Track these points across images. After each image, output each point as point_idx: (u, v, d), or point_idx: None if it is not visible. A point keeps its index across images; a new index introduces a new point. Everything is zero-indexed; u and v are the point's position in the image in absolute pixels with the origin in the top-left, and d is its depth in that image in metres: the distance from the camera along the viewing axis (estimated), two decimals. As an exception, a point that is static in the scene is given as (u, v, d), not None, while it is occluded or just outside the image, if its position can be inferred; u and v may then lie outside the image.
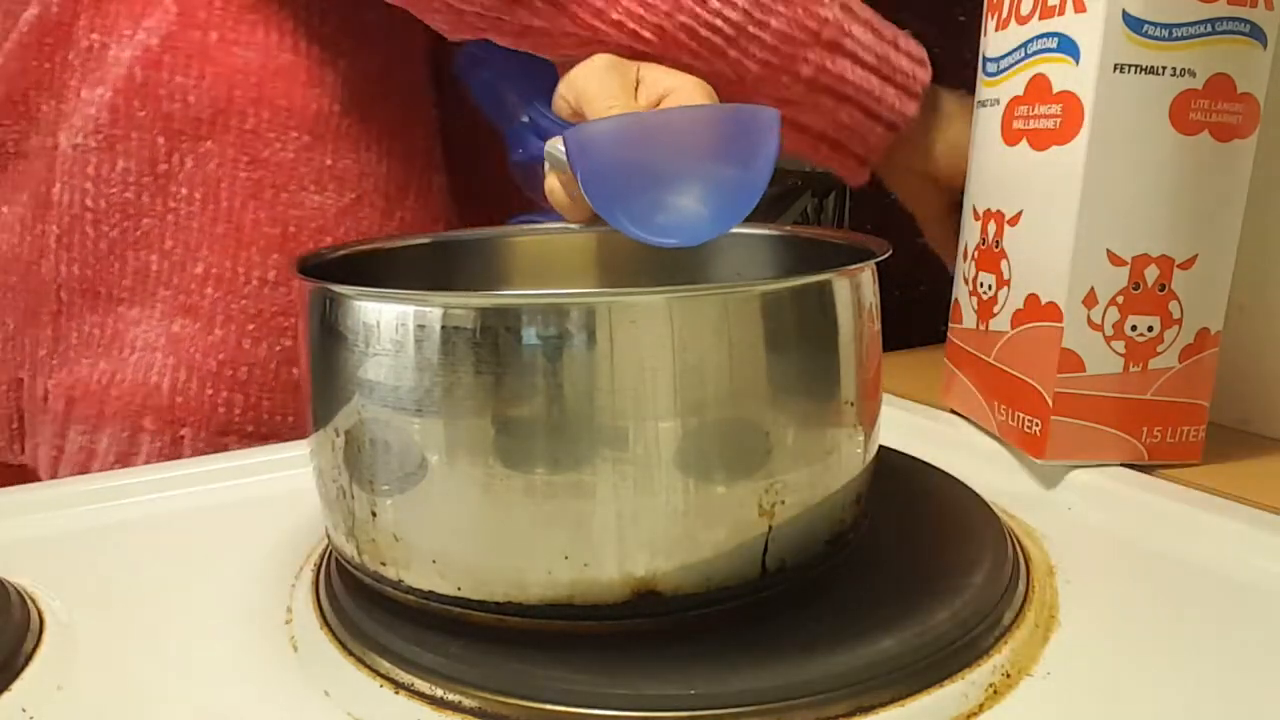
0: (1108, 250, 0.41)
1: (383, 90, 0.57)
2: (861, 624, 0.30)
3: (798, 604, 0.31)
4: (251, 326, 0.53)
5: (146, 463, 0.53)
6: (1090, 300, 0.42)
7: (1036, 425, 0.43)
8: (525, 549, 0.29)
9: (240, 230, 0.53)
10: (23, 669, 0.31)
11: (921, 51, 0.54)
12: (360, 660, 0.30)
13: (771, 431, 0.29)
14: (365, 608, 0.32)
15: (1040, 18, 0.43)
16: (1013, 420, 0.45)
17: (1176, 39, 0.39)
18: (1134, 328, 0.42)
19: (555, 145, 0.41)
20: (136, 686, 0.30)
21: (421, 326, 0.28)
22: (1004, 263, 0.45)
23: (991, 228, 0.47)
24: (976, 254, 0.48)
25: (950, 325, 0.51)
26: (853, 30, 0.50)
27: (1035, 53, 0.43)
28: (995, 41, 0.46)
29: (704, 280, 0.42)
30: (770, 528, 0.30)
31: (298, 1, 0.54)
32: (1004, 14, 0.46)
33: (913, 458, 0.44)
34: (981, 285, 0.47)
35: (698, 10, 0.47)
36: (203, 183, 0.52)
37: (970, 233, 0.49)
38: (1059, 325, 0.42)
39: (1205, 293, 0.42)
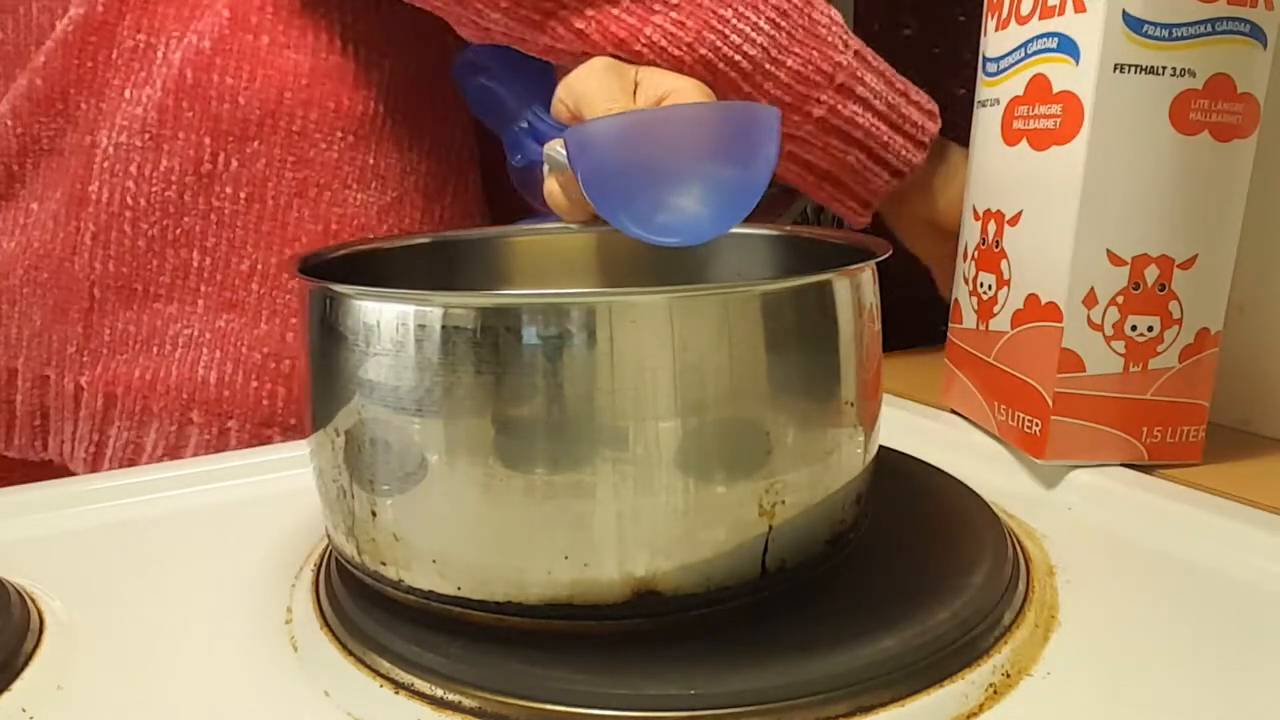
0: (1108, 250, 0.41)
1: (424, 90, 0.59)
2: (861, 624, 0.30)
3: (798, 604, 0.31)
4: (295, 320, 0.55)
5: (194, 455, 0.54)
6: (1090, 300, 0.42)
7: (1036, 425, 0.43)
8: (525, 549, 0.29)
9: (285, 228, 0.54)
10: (23, 669, 0.31)
11: (932, 104, 0.55)
12: (360, 660, 0.30)
13: (771, 431, 0.29)
14: (365, 608, 0.32)
15: (1040, 18, 0.43)
16: (1013, 420, 0.45)
17: (1176, 39, 0.39)
18: (1134, 328, 0.42)
19: (555, 147, 0.41)
20: (136, 686, 0.30)
21: (422, 326, 0.28)
22: (1004, 263, 0.45)
23: (991, 228, 0.47)
24: (976, 254, 0.48)
25: (950, 325, 0.51)
26: (865, 77, 0.51)
27: (1035, 53, 0.43)
28: (995, 41, 0.46)
29: (704, 280, 0.42)
30: (770, 528, 0.30)
31: (344, 5, 0.55)
32: (1004, 14, 0.46)
33: (913, 458, 0.44)
34: (981, 285, 0.47)
35: (719, 45, 0.48)
36: (248, 182, 0.54)
37: (970, 233, 0.49)
38: (1059, 325, 0.42)
39: (1205, 293, 0.42)
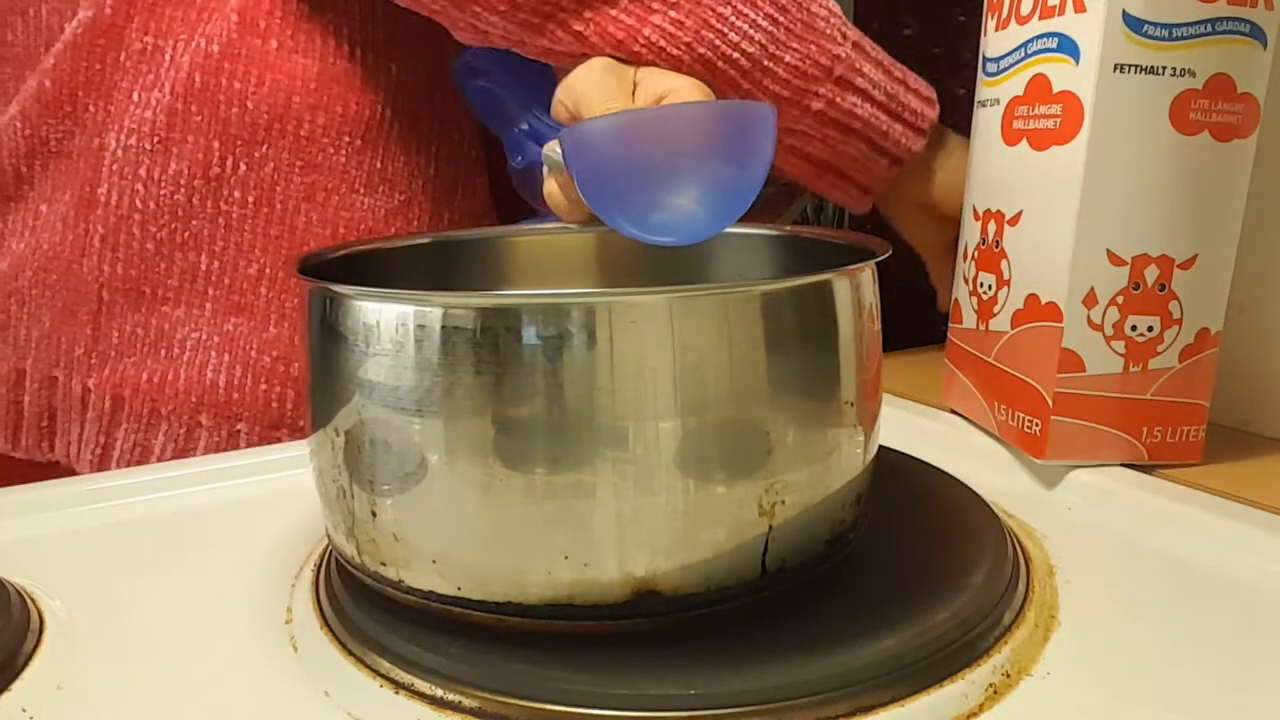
0: (1108, 250, 0.41)
1: (430, 94, 0.59)
2: (861, 624, 0.30)
3: (798, 604, 0.31)
4: None
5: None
6: (1090, 300, 0.42)
7: (1036, 425, 0.43)
8: (525, 549, 0.29)
9: (293, 232, 0.54)
10: (23, 669, 0.31)
11: (930, 91, 0.55)
12: (360, 660, 0.30)
13: (771, 431, 0.29)
14: (365, 608, 0.32)
15: (1040, 18, 0.43)
16: (1013, 420, 0.45)
17: (1176, 39, 0.39)
18: (1134, 328, 0.42)
19: (553, 148, 0.41)
20: (136, 686, 0.30)
21: (421, 326, 0.28)
22: (1004, 263, 0.45)
23: (991, 228, 0.47)
24: (976, 254, 0.48)
25: (950, 325, 0.51)
26: (864, 68, 0.51)
27: (1035, 53, 0.43)
28: (995, 41, 0.46)
29: (704, 280, 0.42)
30: (770, 528, 0.30)
31: (351, 9, 0.55)
32: (1004, 14, 0.46)
33: (913, 458, 0.44)
34: (981, 285, 0.47)
35: (717, 43, 0.48)
36: (256, 186, 0.54)
37: (970, 233, 0.49)
38: (1059, 325, 0.42)
39: (1205, 293, 0.42)
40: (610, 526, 0.28)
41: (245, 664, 0.31)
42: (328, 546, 0.36)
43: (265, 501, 0.44)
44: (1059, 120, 0.41)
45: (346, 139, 0.55)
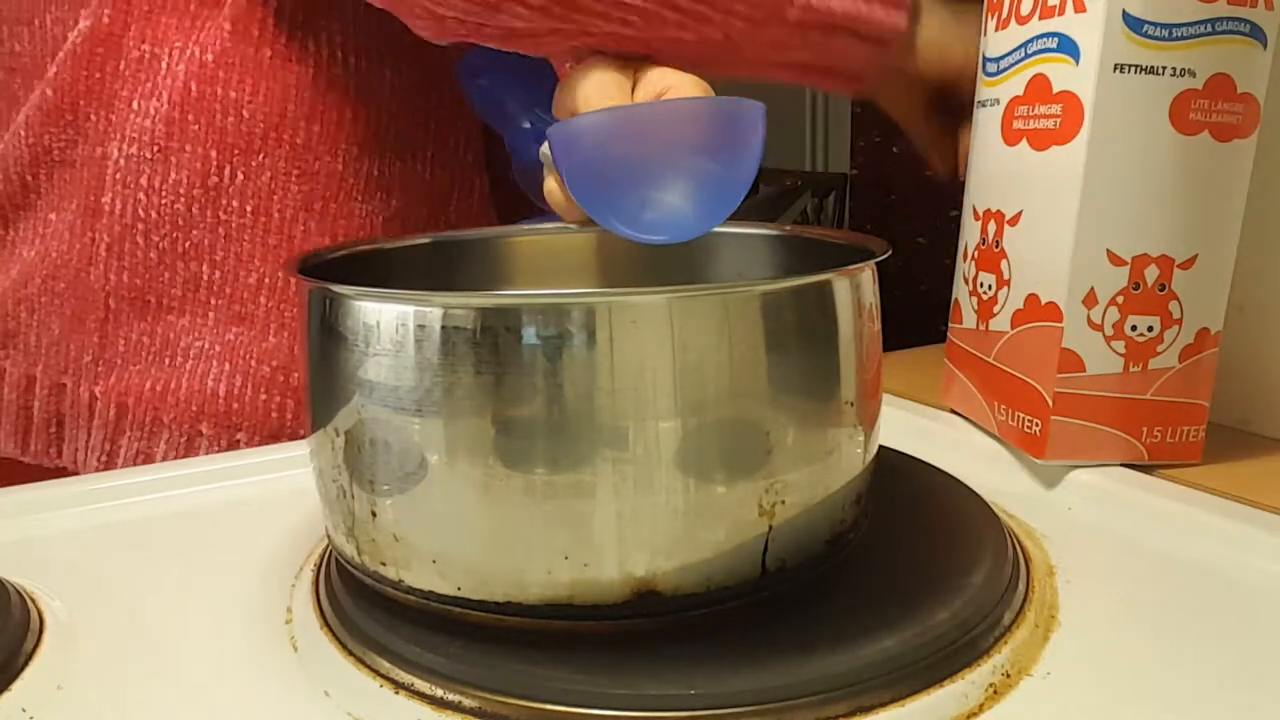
0: (1108, 250, 0.41)
1: (426, 99, 0.59)
2: (861, 624, 0.30)
3: (798, 604, 0.31)
4: None
5: None
6: (1090, 300, 0.42)
7: (1036, 425, 0.43)
8: (525, 549, 0.29)
9: (292, 241, 0.54)
10: (23, 669, 0.31)
11: None
12: (360, 660, 0.30)
13: (771, 431, 0.29)
14: (365, 608, 0.32)
15: (1040, 18, 0.43)
16: (1013, 420, 0.45)
17: (1176, 39, 0.39)
18: (1134, 328, 0.42)
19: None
20: (136, 686, 0.30)
21: (421, 326, 0.28)
22: (1004, 263, 0.45)
23: (991, 228, 0.47)
24: (976, 254, 0.48)
25: (950, 325, 0.51)
26: None
27: (1035, 53, 0.43)
28: (995, 41, 0.46)
29: (704, 280, 0.42)
30: (770, 528, 0.30)
31: (345, 16, 0.55)
32: (1004, 14, 0.46)
33: (913, 458, 0.44)
34: (981, 285, 0.47)
35: None
36: (254, 195, 0.54)
37: (970, 233, 0.49)
38: (1059, 325, 0.42)
39: (1205, 293, 0.42)
40: (610, 526, 0.28)
41: (245, 664, 0.31)
42: (328, 546, 0.36)
43: (265, 501, 0.44)
44: (1059, 120, 0.41)
45: (343, 146, 0.55)
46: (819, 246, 0.41)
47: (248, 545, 0.39)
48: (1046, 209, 0.43)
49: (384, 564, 0.31)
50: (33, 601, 0.34)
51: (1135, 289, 0.42)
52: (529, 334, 0.27)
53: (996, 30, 0.46)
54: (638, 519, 0.28)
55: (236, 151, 0.53)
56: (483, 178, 0.63)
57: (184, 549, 0.40)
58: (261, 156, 0.53)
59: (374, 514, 0.30)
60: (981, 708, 0.28)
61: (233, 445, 0.54)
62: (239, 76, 0.53)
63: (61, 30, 0.54)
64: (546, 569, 0.29)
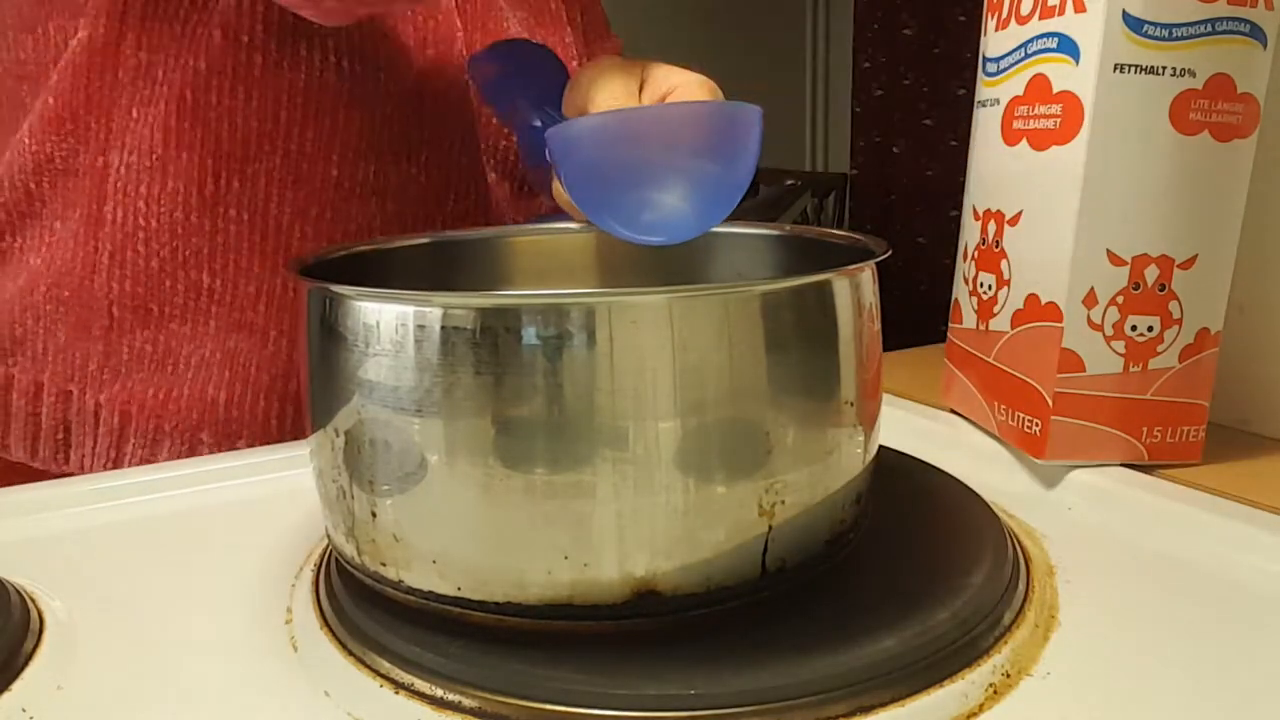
0: (1108, 250, 0.41)
1: (420, 103, 0.58)
2: (861, 624, 0.30)
3: (797, 604, 0.31)
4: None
5: None
6: (1090, 300, 0.42)
7: (1036, 425, 0.43)
8: (525, 549, 0.29)
9: (289, 248, 0.54)
10: (23, 669, 0.31)
11: None
12: (360, 660, 0.30)
13: (771, 431, 0.29)
14: (365, 608, 0.32)
15: (1040, 18, 0.43)
16: (1013, 420, 0.45)
17: (1176, 39, 0.39)
18: (1134, 328, 0.42)
19: None
20: (136, 686, 0.30)
21: (421, 327, 0.28)
22: (1004, 263, 0.45)
23: (991, 228, 0.47)
24: (976, 254, 0.48)
25: (950, 325, 0.51)
26: None
27: (1035, 53, 0.43)
28: (995, 41, 0.46)
29: (704, 280, 0.42)
30: (770, 528, 0.30)
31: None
32: (1004, 14, 0.46)
33: (913, 458, 0.44)
34: (981, 285, 0.47)
35: None
36: (250, 202, 0.54)
37: (970, 233, 0.49)
38: (1059, 325, 0.42)
39: (1205, 293, 0.42)
40: (610, 526, 0.28)
41: (245, 664, 0.31)
42: (328, 546, 0.36)
43: (265, 501, 0.44)
44: (1059, 120, 0.41)
45: (337, 152, 0.55)
46: (819, 246, 0.41)
47: (248, 545, 0.39)
48: (1046, 209, 0.43)
49: (384, 564, 0.31)
50: (33, 601, 0.34)
51: (1135, 289, 0.42)
52: (529, 334, 0.27)
53: (996, 30, 0.46)
54: (638, 519, 0.28)
55: (232, 159, 0.53)
56: (482, 181, 0.63)
57: (184, 549, 0.40)
58: (257, 164, 0.53)
59: (374, 514, 0.30)
60: (981, 708, 0.28)
61: (233, 452, 0.54)
62: (231, 84, 0.52)
63: (64, 38, 0.54)
64: (546, 569, 0.29)
